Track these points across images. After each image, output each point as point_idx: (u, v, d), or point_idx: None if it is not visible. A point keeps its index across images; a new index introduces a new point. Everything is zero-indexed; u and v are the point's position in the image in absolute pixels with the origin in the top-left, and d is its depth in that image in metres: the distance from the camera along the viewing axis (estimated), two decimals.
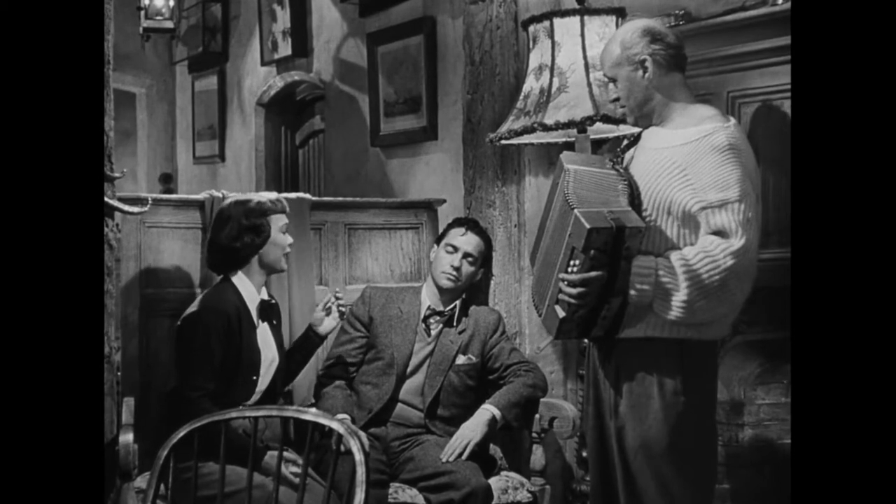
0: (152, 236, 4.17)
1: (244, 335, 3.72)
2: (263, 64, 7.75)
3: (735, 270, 2.95)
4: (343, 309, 4.09)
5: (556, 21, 4.00)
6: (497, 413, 4.02)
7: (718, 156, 3.00)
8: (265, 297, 3.88)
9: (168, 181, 9.53)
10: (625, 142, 3.38)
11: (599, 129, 4.03)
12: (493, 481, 3.98)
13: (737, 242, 2.95)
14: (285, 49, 7.31)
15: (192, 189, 8.97)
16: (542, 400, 4.19)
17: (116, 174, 3.72)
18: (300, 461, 3.60)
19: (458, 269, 4.18)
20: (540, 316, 3.23)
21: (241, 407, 3.62)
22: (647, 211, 3.08)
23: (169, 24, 7.65)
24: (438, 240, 4.33)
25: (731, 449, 3.94)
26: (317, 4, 7.01)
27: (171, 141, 9.84)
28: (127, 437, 3.51)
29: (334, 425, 2.65)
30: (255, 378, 3.75)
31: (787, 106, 3.65)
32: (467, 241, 4.22)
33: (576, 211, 2.94)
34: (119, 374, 3.78)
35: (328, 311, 4.07)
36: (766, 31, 3.63)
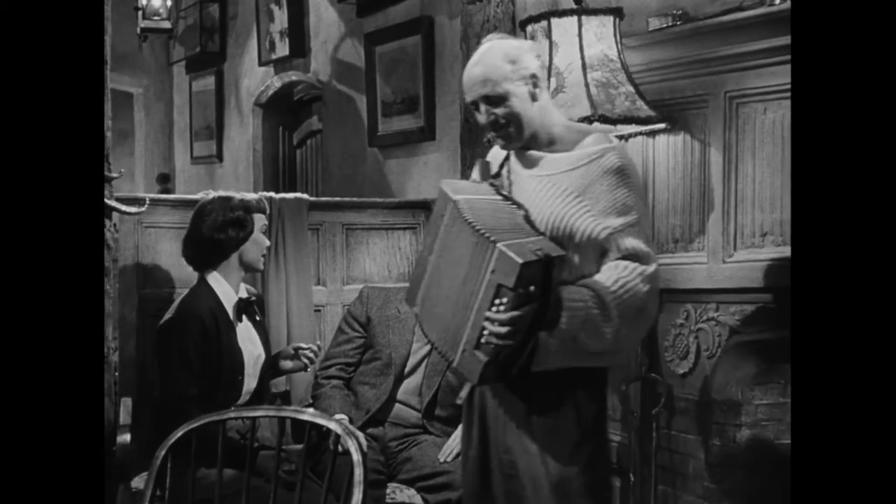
0: (150, 237, 4.18)
1: (222, 336, 3.70)
2: (261, 64, 7.75)
3: (651, 294, 2.86)
4: (309, 361, 3.94)
5: (554, 21, 3.99)
6: None
7: (612, 178, 2.88)
8: (243, 294, 3.86)
9: (166, 181, 9.52)
10: (496, 167, 3.14)
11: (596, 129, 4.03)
12: None
13: (651, 265, 2.87)
14: (283, 49, 7.31)
15: (189, 189, 8.96)
16: None
17: (114, 174, 3.72)
18: (294, 460, 3.60)
19: None
20: (451, 363, 2.92)
21: (233, 407, 3.62)
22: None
23: (166, 25, 7.65)
24: None
25: (728, 449, 3.94)
26: (314, 4, 7.01)
27: (168, 141, 9.84)
28: (124, 438, 3.51)
29: (332, 426, 2.66)
30: (240, 378, 3.74)
31: (785, 106, 3.65)
32: None
33: (499, 246, 2.70)
34: (117, 374, 3.78)
35: (295, 355, 3.94)
36: (764, 31, 3.63)
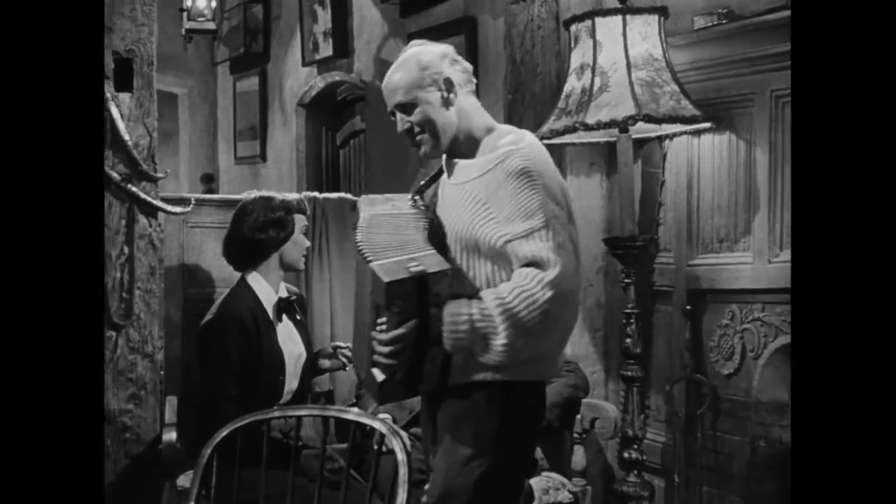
0: (195, 236, 4.20)
1: (262, 336, 3.70)
2: (304, 64, 7.77)
3: (556, 301, 2.70)
4: (347, 360, 3.91)
5: (598, 20, 3.99)
6: None
7: (515, 182, 2.77)
8: (284, 294, 3.87)
9: (209, 181, 9.57)
10: (426, 178, 3.09)
11: (641, 129, 4.01)
12: (534, 482, 3.97)
13: (552, 271, 2.70)
14: (326, 50, 7.33)
15: (233, 189, 9.01)
16: (583, 400, 4.17)
17: (160, 174, 3.74)
18: (337, 459, 3.60)
19: None
20: (361, 381, 2.98)
21: (276, 406, 3.63)
22: (454, 252, 2.85)
23: (211, 26, 7.68)
24: None
25: (773, 450, 3.91)
26: (357, 5, 7.03)
27: (212, 141, 9.89)
28: (170, 436, 3.53)
29: (377, 425, 2.66)
30: (281, 378, 3.73)
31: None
32: None
33: (373, 264, 2.70)
34: (162, 373, 3.80)
35: (334, 353, 3.92)
36: None
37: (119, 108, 3.63)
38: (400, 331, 2.74)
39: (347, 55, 7.18)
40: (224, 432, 2.70)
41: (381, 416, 3.87)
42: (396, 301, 2.71)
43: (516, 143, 2.86)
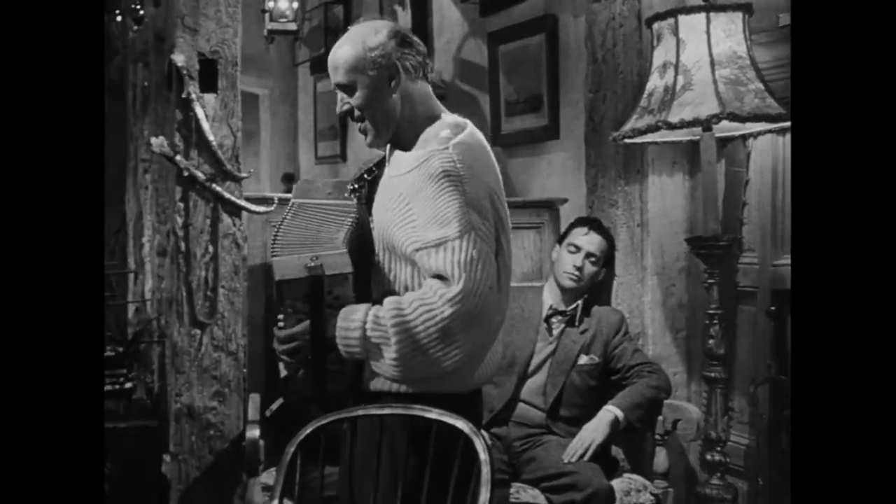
0: None
1: None
2: None
3: (456, 318, 2.53)
4: None
5: (681, 18, 3.95)
6: (620, 414, 3.99)
7: (434, 186, 2.58)
8: None
9: (290, 181, 9.64)
10: (368, 167, 2.92)
11: (725, 127, 3.97)
12: (616, 483, 3.96)
13: (455, 287, 2.53)
14: None
15: None
16: (665, 402, 4.14)
17: (243, 174, 3.79)
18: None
19: (580, 268, 4.16)
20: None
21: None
22: (378, 250, 2.72)
23: (292, 27, 7.73)
24: (560, 239, 4.32)
25: None
26: (437, 4, 7.03)
27: (293, 141, 9.97)
28: (253, 433, 3.56)
29: (459, 424, 2.65)
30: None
31: None
32: (590, 240, 4.20)
33: (273, 259, 2.61)
34: (245, 371, 3.84)
35: None
36: None
37: (204, 109, 3.68)
38: (293, 330, 2.64)
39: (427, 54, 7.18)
40: (308, 430, 2.71)
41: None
42: (287, 300, 2.61)
43: (445, 142, 2.65)
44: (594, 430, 3.96)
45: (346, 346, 2.63)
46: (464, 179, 2.61)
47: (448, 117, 2.82)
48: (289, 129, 9.97)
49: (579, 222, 4.30)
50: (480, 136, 2.80)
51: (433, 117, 2.79)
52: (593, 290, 4.30)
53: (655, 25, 4.08)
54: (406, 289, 2.67)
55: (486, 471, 2.54)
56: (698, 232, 4.34)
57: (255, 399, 3.76)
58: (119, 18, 7.48)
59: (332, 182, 2.92)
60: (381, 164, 2.87)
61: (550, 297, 4.25)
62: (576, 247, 4.19)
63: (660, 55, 4.05)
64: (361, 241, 2.69)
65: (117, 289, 6.21)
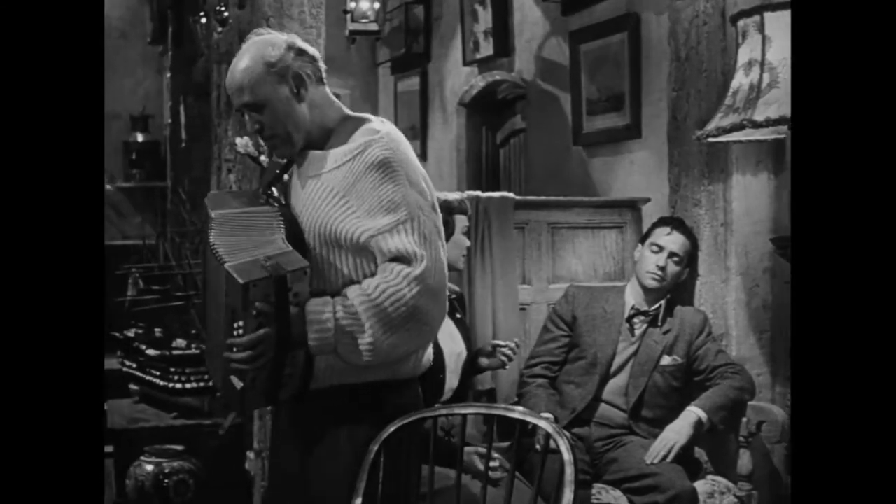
0: None
1: None
2: (465, 64, 7.81)
3: (423, 296, 2.62)
4: (507, 358, 3.92)
5: (767, 15, 3.91)
6: (703, 415, 3.96)
7: (376, 174, 2.64)
8: None
9: None
10: (275, 172, 2.92)
11: None
12: (699, 485, 3.93)
13: (418, 266, 2.62)
14: (487, 49, 7.35)
15: None
16: (749, 403, 4.11)
17: None
18: (496, 456, 3.60)
19: (663, 268, 4.14)
20: (217, 394, 2.70)
21: (438, 404, 3.66)
22: (313, 247, 2.71)
23: (374, 27, 7.76)
24: (643, 239, 4.30)
25: None
26: (519, 4, 7.03)
27: None
28: None
29: (542, 424, 2.65)
30: (441, 376, 3.74)
31: None
32: (673, 240, 4.18)
33: (226, 266, 2.54)
34: None
35: (493, 352, 3.92)
36: None
37: None
38: (258, 333, 2.56)
39: (508, 54, 7.19)
40: (391, 429, 2.72)
41: (543, 415, 3.87)
42: (254, 303, 2.53)
43: (373, 133, 2.72)
44: (677, 432, 3.93)
45: (321, 339, 2.62)
46: (402, 164, 2.69)
47: (357, 114, 2.87)
48: None
49: (662, 222, 4.28)
50: (395, 128, 2.85)
51: (343, 116, 2.85)
52: (676, 290, 4.28)
53: (741, 23, 4.03)
54: (352, 281, 2.68)
55: (569, 471, 2.53)
56: (783, 232, 4.29)
57: None
58: (203, 20, 7.59)
59: (243, 191, 2.92)
60: (287, 166, 2.88)
61: (633, 297, 4.23)
62: (658, 246, 4.17)
63: (745, 53, 4.00)
64: (295, 241, 2.68)
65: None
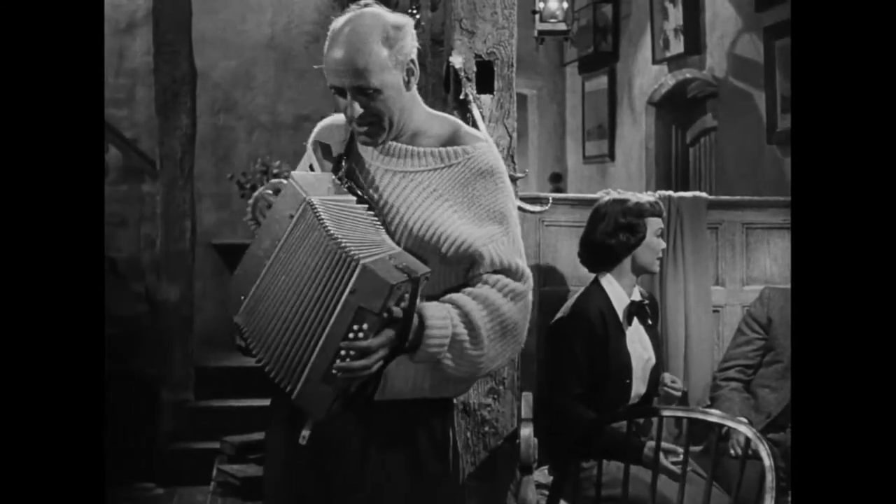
0: (550, 235, 4.26)
1: (611, 339, 3.71)
2: (654, 62, 7.74)
3: (523, 311, 2.48)
4: (676, 392, 3.84)
5: None
6: None
7: (487, 181, 2.48)
8: (636, 297, 3.85)
9: (557, 180, 9.71)
10: (339, 156, 2.62)
11: None
12: None
13: (524, 281, 2.47)
14: (677, 47, 7.27)
15: (581, 188, 9.10)
16: None
17: (519, 174, 3.82)
18: (679, 451, 3.54)
19: None
20: (289, 392, 2.34)
21: (621, 407, 3.63)
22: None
23: (563, 27, 7.76)
24: None
25: None
26: (710, 0, 6.93)
27: (560, 141, 10.02)
28: (527, 431, 3.59)
29: (742, 429, 2.61)
30: (627, 381, 3.72)
31: None
32: None
33: (365, 263, 2.28)
34: (518, 370, 3.88)
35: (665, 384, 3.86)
36: None
37: (480, 110, 3.74)
38: (382, 339, 2.32)
39: (699, 52, 7.09)
40: (583, 430, 2.72)
41: (740, 418, 3.80)
42: (391, 307, 2.31)
43: (476, 139, 2.55)
44: None
45: (440, 345, 2.41)
46: (505, 174, 2.55)
47: (440, 114, 2.68)
48: (556, 128, 10.03)
49: None
50: None
51: (427, 112, 2.62)
52: None
53: None
54: (439, 287, 2.50)
55: (770, 477, 2.49)
56: None
57: (527, 397, 3.79)
58: None
59: (322, 175, 2.61)
60: (348, 151, 2.63)
61: None
62: None
63: None
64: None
65: None
